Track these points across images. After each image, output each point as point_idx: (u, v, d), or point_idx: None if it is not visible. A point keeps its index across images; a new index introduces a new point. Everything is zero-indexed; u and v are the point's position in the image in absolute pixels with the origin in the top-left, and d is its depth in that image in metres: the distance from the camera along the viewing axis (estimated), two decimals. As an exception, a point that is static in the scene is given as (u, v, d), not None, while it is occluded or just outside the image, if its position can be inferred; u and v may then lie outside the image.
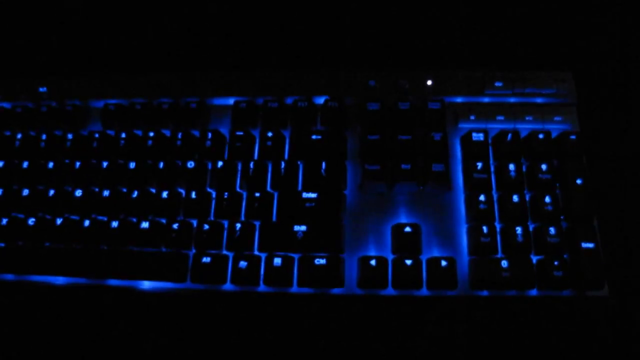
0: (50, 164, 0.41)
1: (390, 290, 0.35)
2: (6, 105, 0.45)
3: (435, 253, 0.36)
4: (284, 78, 0.42)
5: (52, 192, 0.40)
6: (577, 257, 0.33)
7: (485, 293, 0.34)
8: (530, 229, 0.35)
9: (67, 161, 0.41)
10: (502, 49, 0.44)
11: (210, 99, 0.42)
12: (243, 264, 0.36)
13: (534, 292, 0.34)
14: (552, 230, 0.34)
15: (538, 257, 0.34)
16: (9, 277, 0.40)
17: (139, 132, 0.41)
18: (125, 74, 0.44)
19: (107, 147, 0.41)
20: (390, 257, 0.36)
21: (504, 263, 0.34)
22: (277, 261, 0.35)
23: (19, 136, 0.43)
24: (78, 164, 0.41)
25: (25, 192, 0.40)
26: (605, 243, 0.35)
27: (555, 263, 0.33)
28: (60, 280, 0.39)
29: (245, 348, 0.36)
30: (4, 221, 0.40)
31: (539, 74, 0.40)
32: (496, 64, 0.44)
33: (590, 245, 0.33)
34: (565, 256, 0.34)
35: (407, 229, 0.35)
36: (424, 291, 0.35)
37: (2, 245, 0.39)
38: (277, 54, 0.46)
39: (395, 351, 0.34)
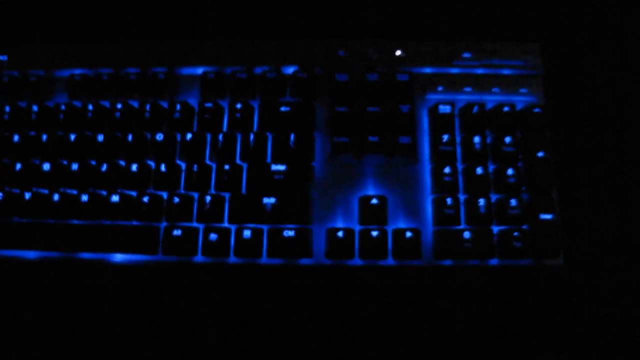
0: (16, 137, 0.40)
1: (357, 261, 0.36)
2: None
3: (401, 224, 0.37)
4: (253, 48, 0.41)
5: (19, 165, 0.40)
6: (535, 228, 0.35)
7: (448, 262, 0.36)
8: (493, 200, 0.36)
9: (33, 133, 0.40)
10: (471, 19, 0.44)
11: (179, 69, 0.42)
12: (213, 236, 0.36)
13: (494, 261, 0.35)
14: (513, 202, 0.35)
15: (499, 228, 0.35)
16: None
17: (106, 104, 0.41)
18: (91, 43, 0.43)
19: (74, 119, 0.40)
20: (357, 228, 0.36)
21: (467, 234, 0.35)
22: (247, 233, 0.36)
23: (-19, 108, 0.42)
24: (45, 136, 0.40)
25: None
26: (564, 214, 0.36)
27: (515, 234, 0.34)
28: (31, 254, 0.39)
29: (215, 318, 0.37)
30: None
31: (506, 44, 0.40)
32: (465, 34, 0.43)
33: (549, 216, 0.35)
34: (524, 227, 0.35)
35: (374, 200, 0.36)
36: (390, 261, 0.36)
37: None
38: (247, 23, 0.45)
39: (361, 320, 0.36)
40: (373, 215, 0.36)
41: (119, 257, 0.38)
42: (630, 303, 0.35)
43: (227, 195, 0.38)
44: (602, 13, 0.43)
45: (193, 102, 0.41)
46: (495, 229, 0.35)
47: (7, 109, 0.41)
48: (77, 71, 0.42)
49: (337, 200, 0.38)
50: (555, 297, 0.35)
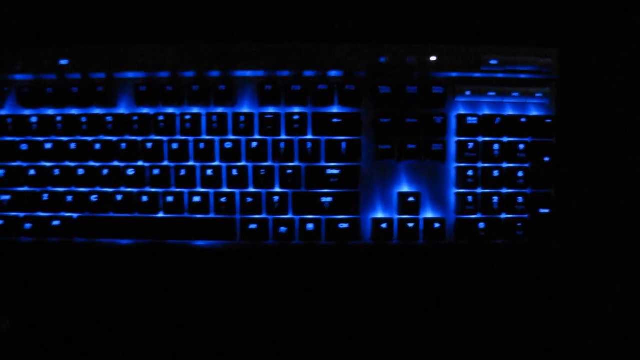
0: (98, 145, 0.46)
1: (395, 242, 0.46)
2: (29, 77, 0.47)
3: (430, 213, 0.46)
4: (301, 52, 0.45)
5: (106, 171, 0.46)
6: (535, 219, 0.45)
7: (465, 243, 0.46)
8: (504, 194, 0.45)
9: (114, 139, 0.46)
10: (495, 26, 0.48)
11: (234, 72, 0.46)
12: (283, 229, 0.46)
13: (500, 241, 0.46)
14: (520, 199, 0.45)
15: (507, 217, 0.46)
16: (79, 240, 0.48)
17: (172, 110, 0.46)
18: (149, 45, 0.46)
19: (145, 125, 0.46)
20: (395, 217, 0.46)
21: (482, 224, 0.45)
22: (310, 226, 0.45)
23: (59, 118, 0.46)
24: (124, 145, 0.46)
25: (81, 171, 0.46)
26: (560, 208, 0.46)
27: (519, 224, 0.45)
28: (123, 241, 0.48)
29: (283, 287, 0.48)
30: (70, 198, 0.46)
31: (526, 50, 0.46)
32: (489, 40, 0.48)
33: (547, 210, 0.45)
34: (527, 217, 0.45)
35: (411, 198, 0.45)
36: (421, 241, 0.46)
37: (75, 215, 0.47)
38: (293, 27, 0.48)
39: (397, 286, 0.48)
40: (409, 208, 0.45)
41: (200, 242, 0.47)
42: (611, 279, 0.47)
43: (289, 192, 0.46)
44: (617, 19, 0.48)
45: (249, 107, 0.46)
46: (504, 217, 0.46)
47: (84, 119, 0.46)
48: (138, 75, 0.46)
49: (378, 194, 0.46)
50: (547, 273, 0.47)
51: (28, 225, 0.47)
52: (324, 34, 0.48)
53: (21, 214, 0.47)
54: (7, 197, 0.47)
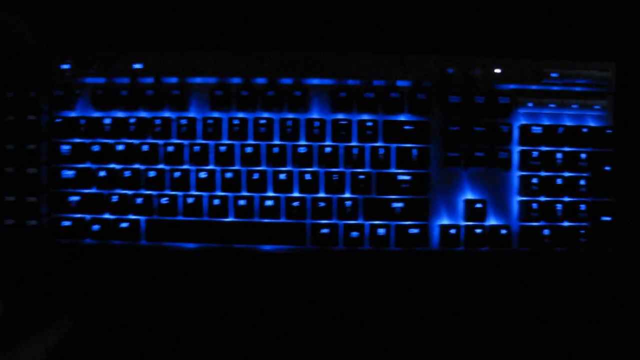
0: (171, 148, 0.46)
1: (461, 248, 0.48)
2: (101, 80, 0.47)
3: (493, 220, 0.48)
4: (370, 61, 0.47)
5: (177, 174, 0.46)
6: (597, 227, 0.47)
7: (529, 250, 0.48)
8: (566, 202, 0.47)
9: (186, 142, 0.47)
10: (555, 39, 0.50)
11: (306, 79, 0.47)
12: (354, 233, 0.46)
13: (563, 249, 0.47)
14: (582, 206, 0.46)
15: (569, 224, 0.47)
16: (145, 243, 0.48)
17: (243, 115, 0.47)
18: (222, 51, 0.47)
19: (216, 130, 0.47)
20: (462, 223, 0.47)
21: (546, 231, 0.47)
22: (382, 231, 0.46)
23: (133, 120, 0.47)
24: (197, 147, 0.46)
25: (152, 173, 0.46)
26: (621, 216, 0.48)
27: (582, 231, 0.46)
28: (190, 245, 0.48)
29: (352, 291, 0.49)
30: (139, 200, 0.47)
31: (586, 64, 0.48)
32: (549, 53, 0.50)
33: (608, 218, 0.47)
34: (588, 224, 0.47)
35: (478, 205, 0.46)
36: (487, 248, 0.47)
37: (143, 218, 0.47)
38: (363, 37, 0.50)
39: (464, 292, 0.49)
40: (476, 214, 0.47)
41: (267, 247, 0.48)
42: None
43: (360, 197, 0.47)
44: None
45: (319, 114, 0.47)
46: (567, 224, 0.47)
47: (158, 121, 0.46)
48: (209, 80, 0.47)
49: (443, 201, 0.48)
50: (608, 282, 0.49)
51: (96, 227, 0.47)
52: (392, 45, 0.50)
53: (88, 216, 0.47)
54: (76, 199, 0.47)
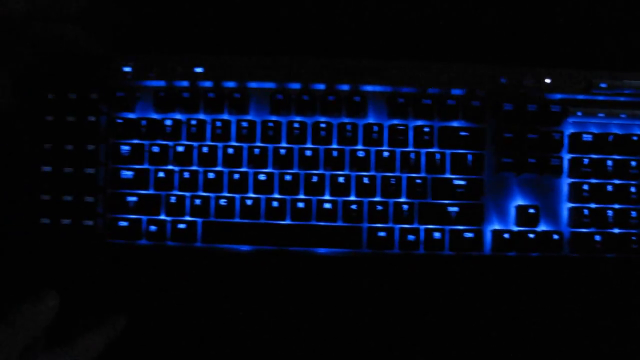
0: (231, 150, 0.47)
1: (513, 253, 0.48)
2: (160, 83, 0.48)
3: (543, 226, 0.49)
4: (425, 70, 0.48)
5: (236, 175, 0.47)
6: (647, 233, 0.48)
7: (579, 256, 0.49)
8: (617, 209, 0.48)
9: (245, 145, 0.47)
10: (604, 51, 0.52)
11: (364, 86, 0.48)
12: (411, 237, 0.47)
13: (612, 254, 0.48)
14: (633, 213, 0.48)
15: (620, 231, 0.48)
16: (198, 244, 0.48)
17: (307, 120, 0.48)
18: (280, 56, 0.48)
19: (276, 133, 0.47)
20: (514, 228, 0.48)
21: (597, 237, 0.48)
22: (437, 235, 0.47)
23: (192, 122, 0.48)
24: (257, 150, 0.47)
25: (211, 175, 0.47)
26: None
27: (633, 238, 0.47)
28: (245, 247, 0.48)
29: (405, 294, 0.49)
30: (198, 201, 0.47)
31: (634, 74, 0.49)
32: (598, 64, 0.52)
33: (659, 224, 0.48)
34: (639, 231, 0.48)
35: (531, 210, 0.47)
36: (537, 253, 0.48)
37: (199, 220, 0.47)
38: (418, 46, 0.51)
39: (516, 296, 0.49)
40: (529, 220, 0.47)
41: (322, 250, 0.48)
42: None
43: (416, 202, 0.48)
44: None
45: (375, 119, 0.48)
46: (617, 231, 0.48)
47: (218, 123, 0.47)
48: (268, 85, 0.48)
49: (493, 206, 0.49)
50: None
51: (153, 228, 0.47)
52: (447, 54, 0.51)
53: (145, 217, 0.48)
54: (134, 199, 0.48)
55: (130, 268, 0.49)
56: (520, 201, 0.49)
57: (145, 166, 0.48)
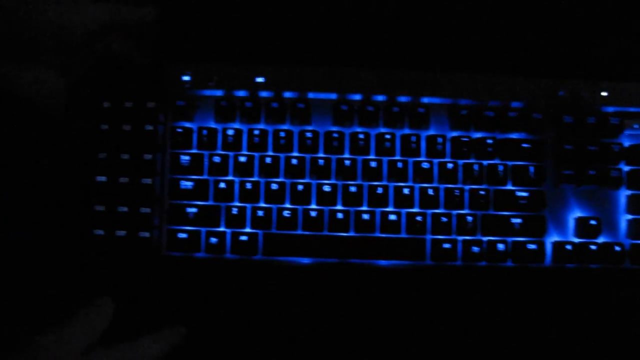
0: (294, 161, 0.47)
1: (574, 265, 0.48)
2: (219, 93, 0.48)
3: (602, 237, 0.49)
4: (486, 83, 0.49)
5: (300, 187, 0.47)
6: None
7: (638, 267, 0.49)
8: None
9: (306, 156, 0.47)
10: None
11: (424, 98, 0.48)
12: (475, 248, 0.47)
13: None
14: (694, 225, 0.48)
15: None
16: (257, 257, 0.47)
17: (370, 131, 0.48)
18: (344, 68, 0.48)
19: (338, 144, 0.47)
20: (575, 240, 0.48)
21: (658, 248, 0.48)
22: (501, 246, 0.47)
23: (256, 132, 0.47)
24: (322, 161, 0.47)
25: (274, 186, 0.46)
26: None
27: (694, 248, 0.48)
28: (305, 260, 0.47)
29: (469, 309, 0.49)
30: (260, 212, 0.46)
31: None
32: None
33: None
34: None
35: (592, 221, 0.48)
36: (598, 265, 0.49)
37: (260, 231, 0.47)
38: (479, 59, 0.52)
39: (578, 308, 0.50)
40: (589, 231, 0.48)
41: (383, 262, 0.48)
42: None
43: (479, 213, 0.48)
44: None
45: (436, 131, 0.48)
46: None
47: (282, 133, 0.47)
48: (329, 95, 0.48)
49: (552, 217, 0.49)
50: None
51: (213, 240, 0.46)
52: (505, 67, 0.52)
53: (204, 229, 0.47)
54: (193, 210, 0.47)
55: (187, 281, 0.48)
56: (578, 213, 0.49)
57: (205, 177, 0.47)
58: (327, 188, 0.47)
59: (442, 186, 0.47)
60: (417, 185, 0.47)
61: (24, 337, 0.35)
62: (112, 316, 0.38)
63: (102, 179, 0.47)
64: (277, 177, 0.47)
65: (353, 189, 0.47)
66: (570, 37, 0.54)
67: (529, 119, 0.48)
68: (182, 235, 0.46)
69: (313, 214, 0.46)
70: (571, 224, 0.49)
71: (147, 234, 0.46)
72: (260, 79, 0.48)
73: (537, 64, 0.53)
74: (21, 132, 0.48)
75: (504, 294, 0.49)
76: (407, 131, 0.48)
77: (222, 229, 0.47)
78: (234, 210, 0.46)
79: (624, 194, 0.49)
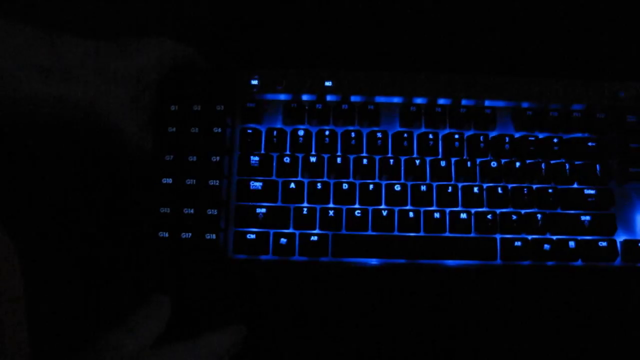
0: (365, 161, 0.47)
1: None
2: (287, 97, 0.48)
3: (670, 235, 0.49)
4: (545, 86, 0.50)
5: (371, 186, 0.47)
6: None
7: None
8: None
9: (376, 157, 0.47)
10: None
11: (488, 101, 0.49)
12: (547, 246, 0.47)
13: None
14: None
15: None
16: (325, 259, 0.46)
17: (438, 132, 0.48)
18: (405, 72, 0.49)
19: (399, 146, 0.48)
20: (643, 239, 0.48)
21: None
22: (572, 244, 0.47)
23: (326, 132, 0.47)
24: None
25: (345, 186, 0.46)
26: None
27: None
28: (373, 261, 0.47)
29: (539, 309, 0.48)
30: (331, 212, 0.46)
31: None
32: None
33: None
34: None
35: (662, 219, 0.48)
36: (668, 264, 0.48)
37: (330, 232, 0.46)
38: (534, 63, 0.53)
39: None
40: (659, 230, 0.48)
41: (452, 262, 0.47)
42: None
43: (547, 212, 0.47)
44: None
45: (500, 131, 0.49)
46: None
47: (353, 134, 0.47)
48: (395, 99, 0.49)
49: (618, 216, 0.49)
50: None
51: (283, 240, 0.46)
52: (565, 71, 0.53)
53: (272, 230, 0.46)
54: (262, 211, 0.46)
55: (254, 284, 0.47)
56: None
57: (274, 178, 0.47)
58: (397, 188, 0.46)
59: (510, 185, 0.47)
60: (485, 185, 0.47)
61: (92, 335, 0.35)
62: (170, 312, 0.39)
63: (168, 180, 0.46)
64: (347, 177, 0.47)
65: (423, 188, 0.47)
66: (627, 41, 0.55)
67: (592, 119, 0.49)
68: (251, 237, 0.46)
69: (384, 213, 0.46)
70: (639, 223, 0.49)
71: (213, 236, 0.46)
72: (328, 83, 0.48)
73: (595, 67, 0.54)
74: (89, 137, 0.48)
75: (573, 293, 0.49)
76: (473, 132, 0.48)
77: (291, 230, 0.46)
78: (304, 211, 0.46)
79: (688, 193, 0.50)
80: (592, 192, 0.48)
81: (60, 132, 0.46)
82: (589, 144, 0.48)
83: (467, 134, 0.48)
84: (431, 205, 0.47)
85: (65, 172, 0.48)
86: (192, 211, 0.46)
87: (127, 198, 0.47)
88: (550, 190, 0.47)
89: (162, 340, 0.37)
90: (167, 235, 0.46)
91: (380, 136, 0.47)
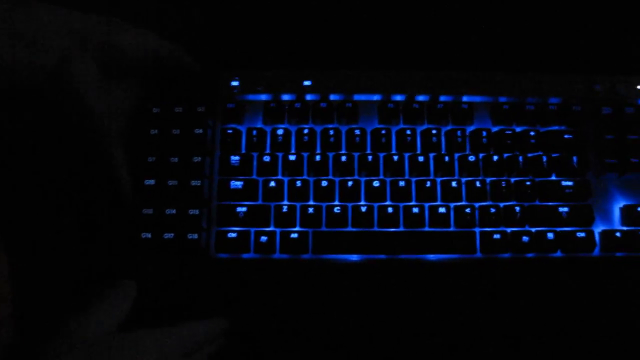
0: (343, 158, 0.47)
1: (620, 253, 0.49)
2: (267, 97, 0.49)
3: (644, 224, 0.49)
4: (528, 81, 0.50)
5: (350, 183, 0.47)
6: None
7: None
8: None
9: (355, 154, 0.48)
10: None
11: (465, 97, 0.50)
12: (525, 238, 0.47)
13: None
14: None
15: None
16: (306, 256, 0.47)
17: (416, 128, 0.49)
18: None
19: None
20: (624, 228, 0.49)
21: None
22: (550, 235, 0.47)
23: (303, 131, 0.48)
24: (371, 158, 0.47)
25: (324, 183, 0.47)
26: None
27: None
28: (354, 257, 0.47)
29: (518, 301, 0.49)
30: (311, 210, 0.47)
31: None
32: None
33: None
34: None
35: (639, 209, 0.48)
36: (644, 253, 0.49)
37: (310, 230, 0.47)
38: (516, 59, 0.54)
39: (627, 296, 0.49)
40: (637, 219, 0.48)
41: (432, 257, 0.48)
42: None
43: (526, 204, 0.48)
44: None
45: (477, 126, 0.50)
46: None
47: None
48: (373, 97, 0.49)
49: (596, 207, 0.49)
50: None
51: (264, 238, 0.46)
52: (541, 65, 0.54)
53: (253, 229, 0.47)
54: (243, 210, 0.47)
55: (236, 282, 0.48)
56: (622, 202, 0.49)
57: (254, 177, 0.48)
58: (376, 184, 0.47)
59: (489, 179, 0.48)
60: (463, 179, 0.48)
61: (54, 323, 0.35)
62: (135, 295, 0.40)
63: (151, 182, 0.47)
64: (327, 175, 0.48)
65: (402, 183, 0.47)
66: (600, 35, 0.56)
67: (568, 112, 0.50)
68: (232, 235, 0.47)
69: (363, 209, 0.47)
70: (616, 213, 0.49)
71: (195, 236, 0.46)
72: (307, 82, 0.49)
73: (570, 62, 0.55)
74: (72, 135, 0.48)
75: (553, 284, 0.49)
76: (451, 127, 0.49)
77: (271, 228, 0.47)
78: (284, 209, 0.47)
79: (665, 183, 0.50)
80: (570, 183, 0.48)
81: (29, 102, 0.45)
82: (566, 136, 0.49)
83: (445, 129, 0.49)
84: (410, 201, 0.47)
85: (45, 174, 0.49)
86: (174, 212, 0.47)
87: (109, 200, 0.48)
88: (528, 183, 0.48)
89: (146, 326, 0.37)
90: (150, 236, 0.46)
91: (358, 133, 0.48)
